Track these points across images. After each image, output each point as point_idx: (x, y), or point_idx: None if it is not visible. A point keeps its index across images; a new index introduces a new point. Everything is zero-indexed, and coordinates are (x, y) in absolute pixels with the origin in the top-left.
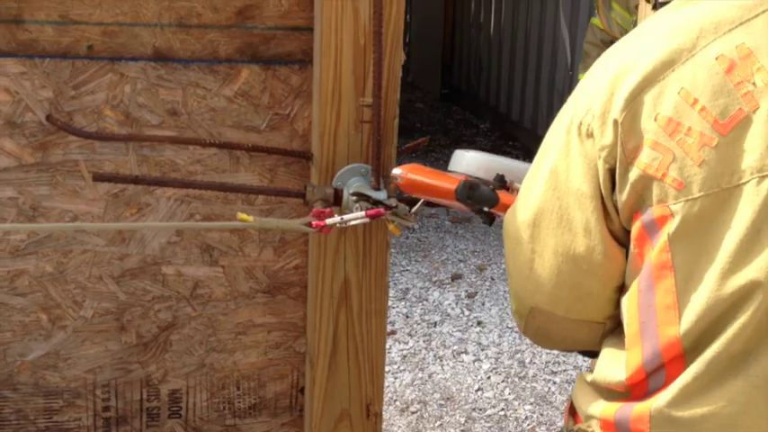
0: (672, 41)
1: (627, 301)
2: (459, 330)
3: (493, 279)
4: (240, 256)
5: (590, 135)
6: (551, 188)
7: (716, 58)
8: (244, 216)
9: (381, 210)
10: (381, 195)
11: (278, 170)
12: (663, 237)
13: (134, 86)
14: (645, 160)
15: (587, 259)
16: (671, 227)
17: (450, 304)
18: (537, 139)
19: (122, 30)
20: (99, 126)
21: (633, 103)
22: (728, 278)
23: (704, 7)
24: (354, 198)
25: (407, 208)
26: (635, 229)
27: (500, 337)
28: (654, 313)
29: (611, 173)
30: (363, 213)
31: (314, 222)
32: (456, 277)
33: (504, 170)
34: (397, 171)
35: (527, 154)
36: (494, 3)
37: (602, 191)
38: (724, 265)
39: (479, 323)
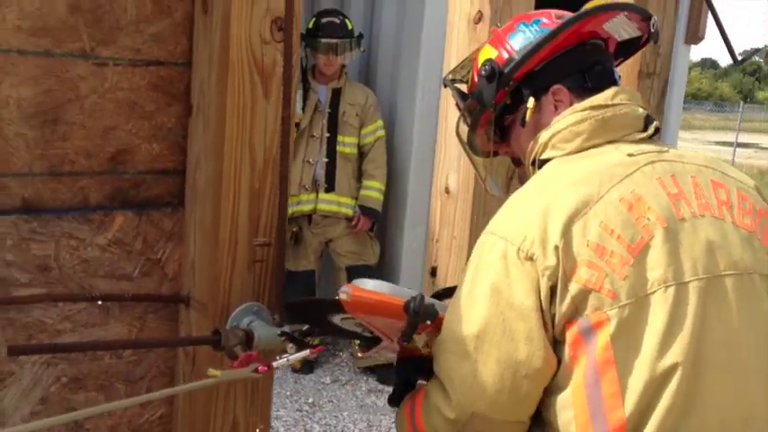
0: (582, 188)
1: (572, 396)
2: None
3: None
4: (105, 416)
5: (529, 258)
6: (494, 304)
7: (619, 200)
8: (214, 372)
9: (323, 346)
10: (287, 330)
11: (147, 317)
12: (603, 338)
13: (3, 243)
14: (584, 276)
15: (527, 364)
16: (610, 329)
17: None
18: None
19: None
20: None
21: (567, 234)
22: (657, 363)
23: (592, 163)
24: (283, 338)
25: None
26: (570, 335)
27: None
28: (602, 402)
29: (552, 289)
30: (308, 351)
31: (259, 368)
32: None
33: (403, 295)
34: (345, 290)
35: None
36: None
37: (543, 304)
38: (652, 355)
39: None
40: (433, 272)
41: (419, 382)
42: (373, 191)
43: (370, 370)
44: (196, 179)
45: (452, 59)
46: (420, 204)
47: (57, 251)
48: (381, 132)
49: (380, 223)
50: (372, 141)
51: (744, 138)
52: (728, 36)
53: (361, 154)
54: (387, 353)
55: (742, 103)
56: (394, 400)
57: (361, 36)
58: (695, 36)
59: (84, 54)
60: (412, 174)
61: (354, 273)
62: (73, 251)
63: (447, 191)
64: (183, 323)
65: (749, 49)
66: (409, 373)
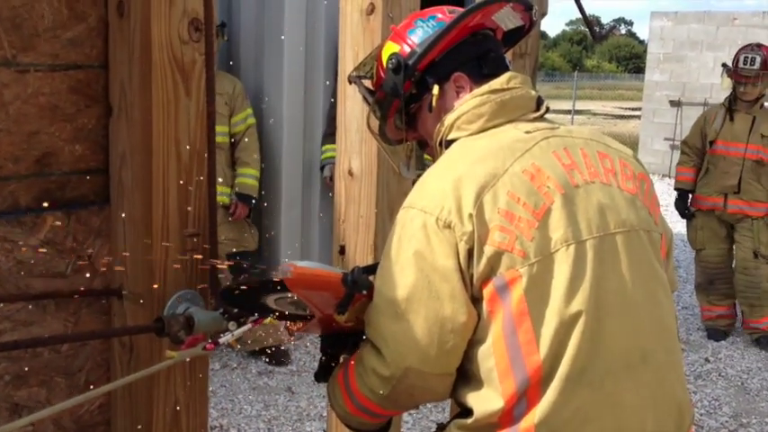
0: (488, 163)
1: (492, 347)
2: None
3: None
4: (48, 409)
5: (447, 226)
6: (419, 269)
7: (522, 172)
8: (171, 353)
9: (261, 318)
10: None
11: (81, 312)
12: (517, 293)
13: None
14: (498, 239)
15: (452, 320)
16: (523, 284)
17: None
18: None
19: None
20: None
21: (479, 203)
22: (563, 312)
23: (495, 140)
24: (225, 317)
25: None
26: (487, 292)
27: None
28: (519, 349)
29: (470, 252)
30: (250, 326)
31: (207, 345)
32: None
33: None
34: (285, 269)
35: None
36: None
37: (462, 265)
38: (559, 305)
39: None
40: (342, 250)
41: (342, 357)
42: (248, 177)
43: (259, 353)
44: (122, 177)
45: (347, 49)
46: (294, 188)
47: None
48: (252, 120)
49: (257, 209)
50: (243, 129)
51: (577, 105)
52: (587, 14)
53: (233, 143)
54: (314, 331)
55: (576, 72)
56: (320, 375)
57: (223, 25)
58: (540, 13)
59: (7, 62)
60: (284, 158)
61: (235, 260)
62: (8, 253)
63: (351, 173)
64: (116, 315)
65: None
66: (334, 349)
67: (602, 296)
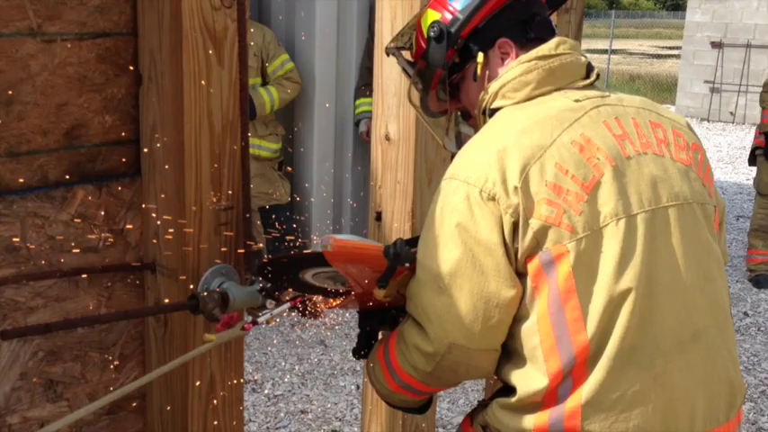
0: (535, 133)
1: (537, 324)
2: None
3: None
4: (83, 384)
5: (492, 198)
6: (462, 242)
7: (571, 143)
8: (210, 336)
9: (299, 297)
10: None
11: (114, 287)
12: (564, 268)
13: None
14: (545, 213)
15: (497, 294)
16: (570, 260)
17: None
18: None
19: None
20: None
21: (525, 175)
22: (612, 289)
23: (542, 109)
24: (262, 294)
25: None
26: (532, 267)
27: None
28: (566, 327)
29: (515, 225)
30: (288, 304)
31: (245, 325)
32: None
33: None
34: (326, 242)
35: None
36: None
37: (506, 239)
38: (608, 281)
39: None
40: (378, 216)
41: (380, 333)
42: (266, 91)
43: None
44: (153, 148)
45: (384, 9)
46: (326, 139)
47: (23, 231)
48: (290, 65)
49: (287, 161)
50: (283, 74)
51: (614, 44)
52: None
53: None
54: (352, 306)
55: (614, 10)
56: (358, 352)
57: None
58: None
59: (32, 32)
60: (316, 109)
61: (266, 213)
62: (39, 229)
63: (387, 138)
64: (149, 289)
65: None
66: (372, 325)
67: (653, 273)
